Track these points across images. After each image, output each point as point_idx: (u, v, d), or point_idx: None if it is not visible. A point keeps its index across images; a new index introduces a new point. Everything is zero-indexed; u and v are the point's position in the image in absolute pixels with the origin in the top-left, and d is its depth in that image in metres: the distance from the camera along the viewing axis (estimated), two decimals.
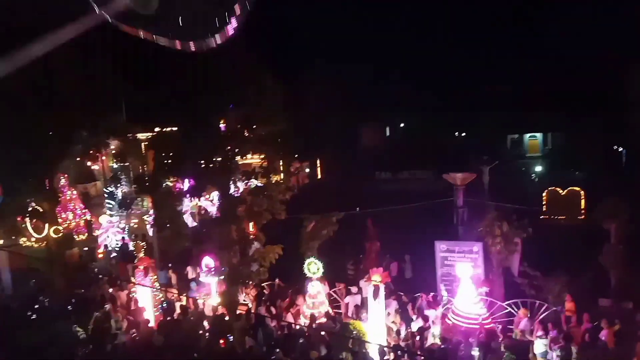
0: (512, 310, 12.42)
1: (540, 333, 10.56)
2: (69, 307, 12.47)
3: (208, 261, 13.60)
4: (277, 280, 14.72)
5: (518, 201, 15.92)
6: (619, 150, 40.29)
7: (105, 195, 17.78)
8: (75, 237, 17.89)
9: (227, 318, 11.61)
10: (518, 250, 13.77)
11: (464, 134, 52.58)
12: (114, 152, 19.24)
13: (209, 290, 13.66)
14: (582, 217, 16.88)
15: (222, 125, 19.11)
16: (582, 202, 16.96)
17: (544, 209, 16.98)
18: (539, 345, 10.38)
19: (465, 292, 11.89)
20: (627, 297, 12.13)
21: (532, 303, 12.32)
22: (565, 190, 17.29)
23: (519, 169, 41.08)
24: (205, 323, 11.56)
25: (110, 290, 13.20)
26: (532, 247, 14.10)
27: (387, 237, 16.82)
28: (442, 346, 10.58)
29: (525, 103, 42.35)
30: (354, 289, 13.49)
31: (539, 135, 49.26)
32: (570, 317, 11.47)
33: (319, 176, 40.58)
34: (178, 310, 12.37)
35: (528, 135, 49.35)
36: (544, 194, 17.18)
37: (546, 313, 12.09)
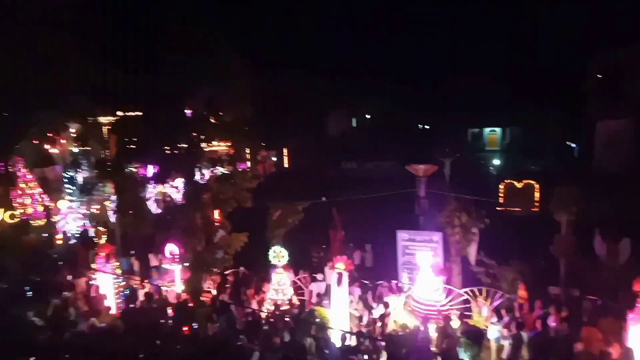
0: (469, 297, 12.97)
1: (494, 319, 11.12)
2: (26, 294, 12.14)
3: (172, 248, 13.50)
4: (241, 268, 14.77)
5: (477, 193, 16.47)
6: (571, 145, 42.26)
7: (65, 180, 17.23)
8: (33, 222, 17.27)
9: (190, 305, 11.62)
10: (476, 240, 14.30)
11: (427, 127, 53.68)
12: (74, 135, 18.60)
13: (172, 278, 13.58)
14: (537, 208, 17.69)
15: (187, 111, 18.90)
16: (537, 194, 17.76)
17: (501, 200, 17.67)
18: (493, 331, 10.92)
19: (425, 280, 12.31)
20: (575, 285, 12.89)
21: (487, 290, 12.88)
22: (521, 183, 18.04)
23: (478, 161, 42.42)
24: (169, 310, 11.53)
25: (70, 277, 12.90)
26: (489, 237, 14.69)
27: (351, 225, 17.12)
28: (402, 332, 10.97)
29: (486, 97, 43.63)
30: (319, 277, 13.71)
31: (498, 129, 50.88)
32: (522, 304, 12.09)
33: (286, 165, 40.54)
34: (141, 298, 12.26)
35: (488, 129, 50.89)
36: (501, 186, 17.88)
37: (500, 300, 12.69)
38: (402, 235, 14.58)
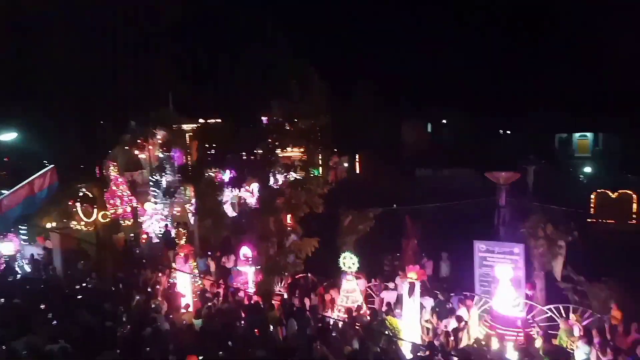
0: (553, 315, 12.03)
1: (583, 340, 10.17)
2: (113, 289, 13.08)
3: (246, 251, 13.92)
4: (309, 274, 14.83)
5: (564, 203, 15.36)
6: None
7: (151, 184, 18.42)
8: (122, 222, 18.67)
9: (261, 307, 11.85)
10: (562, 253, 13.28)
11: (508, 132, 51.03)
12: (160, 141, 19.91)
13: (246, 280, 13.98)
14: (634, 221, 16.14)
15: (264, 119, 19.53)
16: (635, 205, 16.19)
17: (592, 212, 16.34)
18: (581, 353, 10.01)
19: (504, 294, 11.61)
20: None
21: (575, 309, 11.88)
22: (616, 193, 16.56)
23: (566, 169, 39.50)
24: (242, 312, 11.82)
25: (153, 275, 13.71)
26: (578, 251, 13.58)
27: (425, 234, 16.62)
28: (476, 347, 10.39)
29: (576, 101, 40.59)
30: (390, 285, 13.44)
31: (589, 135, 47.08)
32: (616, 326, 10.96)
33: (358, 171, 40.48)
34: (215, 299, 12.70)
35: (577, 134, 47.27)
36: (592, 197, 16.53)
37: (590, 320, 11.64)
38: (479, 246, 13.87)
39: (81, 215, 17.55)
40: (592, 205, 16.81)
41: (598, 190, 16.67)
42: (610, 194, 17.09)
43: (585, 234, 13.74)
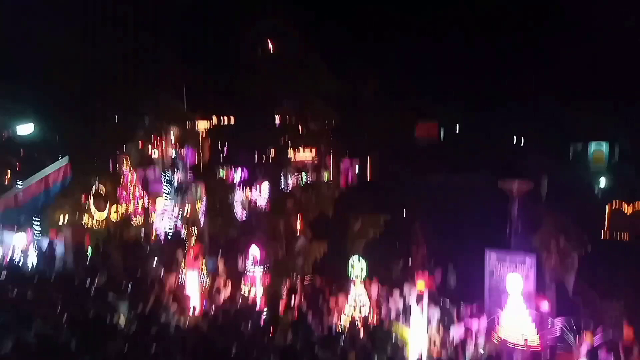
0: (564, 329, 11.84)
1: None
2: (123, 286, 13.12)
3: (254, 252, 13.93)
4: (316, 278, 14.78)
5: (578, 214, 15.12)
6: None
7: (163, 181, 18.48)
8: (133, 218, 18.75)
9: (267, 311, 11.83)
10: (574, 267, 13.11)
11: (523, 141, 50.47)
12: (173, 139, 19.97)
13: (254, 281, 13.99)
14: None
15: (277, 119, 19.58)
16: None
17: (606, 225, 16.08)
18: None
19: (514, 306, 11.47)
20: None
21: (586, 326, 11.68)
22: (631, 207, 16.27)
23: (580, 180, 38.92)
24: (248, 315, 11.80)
25: (162, 273, 13.75)
26: (591, 265, 13.37)
27: (434, 242, 16.49)
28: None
29: (591, 109, 39.91)
30: (398, 293, 13.35)
31: (604, 144, 46.32)
32: (631, 347, 10.71)
33: (369, 176, 40.28)
34: (224, 300, 12.72)
35: (593, 145, 46.57)
36: (606, 210, 16.24)
37: (602, 339, 11.44)
38: (490, 255, 13.72)
39: (93, 210, 17.65)
40: (606, 218, 16.52)
41: (612, 204, 16.38)
42: (625, 207, 16.76)
43: (598, 247, 13.51)
